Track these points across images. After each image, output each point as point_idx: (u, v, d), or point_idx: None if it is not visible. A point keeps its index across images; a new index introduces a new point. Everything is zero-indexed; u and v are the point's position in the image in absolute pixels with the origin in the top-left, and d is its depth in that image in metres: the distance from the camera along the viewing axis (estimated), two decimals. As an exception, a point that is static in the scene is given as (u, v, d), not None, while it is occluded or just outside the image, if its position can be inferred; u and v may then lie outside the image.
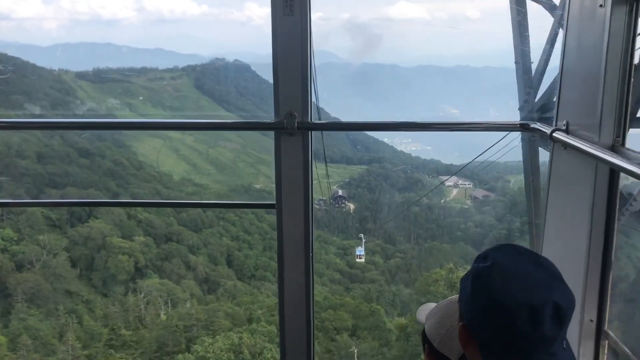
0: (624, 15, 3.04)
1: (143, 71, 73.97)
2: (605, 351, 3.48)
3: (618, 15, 3.03)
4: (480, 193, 60.97)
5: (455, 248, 52.22)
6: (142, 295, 43.19)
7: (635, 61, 3.16)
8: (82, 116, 60.99)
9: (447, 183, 60.72)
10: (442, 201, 61.72)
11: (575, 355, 1.99)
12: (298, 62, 3.76)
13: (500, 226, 53.31)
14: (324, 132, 4.75)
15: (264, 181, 60.03)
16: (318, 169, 5.15)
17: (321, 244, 50.10)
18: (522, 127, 3.94)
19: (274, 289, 42.62)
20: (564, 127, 3.49)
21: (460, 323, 2.00)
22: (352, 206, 59.96)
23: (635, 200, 4.22)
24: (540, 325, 1.76)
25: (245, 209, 50.71)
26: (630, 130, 3.21)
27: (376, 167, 65.64)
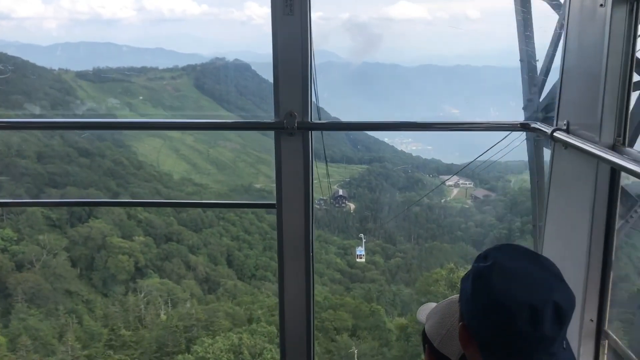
0: (624, 15, 3.03)
1: (143, 71, 73.99)
2: (606, 351, 3.48)
3: (618, 15, 3.03)
4: (480, 193, 60.98)
5: (455, 248, 52.22)
6: (142, 295, 43.19)
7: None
8: (82, 116, 60.99)
9: (448, 183, 60.73)
10: (442, 201, 61.72)
11: (576, 355, 1.99)
12: (298, 62, 3.76)
13: (500, 226, 53.30)
14: (324, 132, 4.75)
15: (264, 181, 60.02)
16: (318, 169, 5.15)
17: (321, 243, 50.09)
18: (523, 127, 3.94)
19: (274, 289, 42.62)
20: (565, 127, 3.49)
21: (461, 323, 2.00)
22: (352, 206, 59.95)
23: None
24: (541, 325, 1.75)
25: (246, 209, 50.66)
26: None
27: (377, 167, 65.63)
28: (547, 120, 4.09)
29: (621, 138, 3.11)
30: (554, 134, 3.53)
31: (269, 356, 35.11)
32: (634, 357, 3.18)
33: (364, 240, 50.71)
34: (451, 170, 64.73)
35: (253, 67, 77.11)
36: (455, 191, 62.97)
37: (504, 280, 1.83)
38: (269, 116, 3.99)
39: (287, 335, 4.34)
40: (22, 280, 41.95)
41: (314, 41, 3.83)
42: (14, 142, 49.51)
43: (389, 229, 56.86)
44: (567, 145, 3.42)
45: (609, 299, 3.39)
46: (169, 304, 43.16)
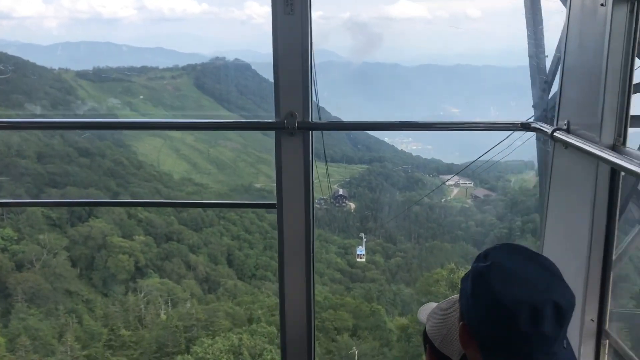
0: (625, 15, 3.04)
1: (143, 70, 74.05)
2: (606, 351, 3.48)
3: (619, 14, 3.03)
4: (481, 192, 60.99)
5: (456, 247, 52.23)
6: (143, 294, 43.18)
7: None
8: (83, 116, 61.01)
9: (448, 182, 60.76)
10: (442, 200, 61.76)
11: (576, 355, 1.99)
12: (298, 61, 3.76)
13: (501, 225, 53.34)
14: (325, 132, 4.75)
15: (265, 180, 60.02)
16: (318, 168, 5.15)
17: (322, 243, 50.11)
18: (524, 127, 3.94)
19: (274, 289, 42.63)
20: (565, 127, 3.49)
21: (461, 323, 2.00)
22: (352, 205, 59.98)
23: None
24: (541, 325, 1.75)
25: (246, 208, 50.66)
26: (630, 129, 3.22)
27: (377, 167, 65.68)
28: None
29: (621, 138, 3.11)
30: (554, 133, 3.53)
31: (268, 357, 35.07)
32: (634, 357, 3.18)
33: (364, 240, 50.73)
34: (451, 169, 64.76)
35: (253, 67, 77.19)
36: (455, 191, 63.00)
37: (504, 280, 1.83)
38: (269, 116, 3.99)
39: (288, 335, 4.34)
40: (22, 280, 41.94)
41: (314, 40, 3.83)
42: (14, 142, 49.52)
43: (389, 228, 56.90)
44: (567, 145, 3.42)
45: (609, 298, 3.40)
46: (169, 304, 43.16)
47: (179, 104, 70.71)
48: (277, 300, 4.48)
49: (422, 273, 46.82)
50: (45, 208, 45.78)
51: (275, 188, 4.11)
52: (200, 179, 61.43)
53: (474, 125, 4.14)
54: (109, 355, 36.94)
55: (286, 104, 3.83)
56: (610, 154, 2.94)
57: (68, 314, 40.75)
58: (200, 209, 51.08)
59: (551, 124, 3.78)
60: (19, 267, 43.22)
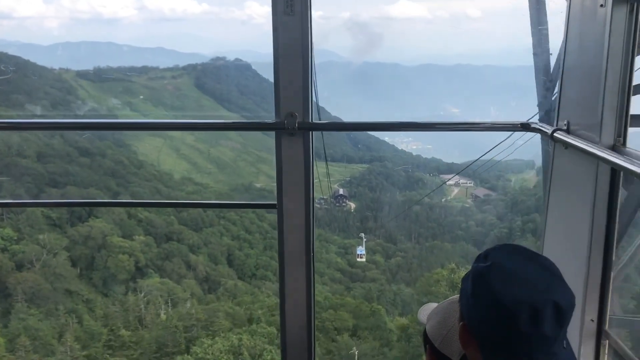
0: (624, 15, 3.04)
1: (144, 70, 74.15)
2: (606, 351, 3.49)
3: (619, 15, 3.04)
4: (481, 192, 61.01)
5: (456, 247, 52.24)
6: (143, 294, 43.17)
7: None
8: (84, 116, 61.04)
9: (448, 182, 60.78)
10: (443, 200, 61.78)
11: (576, 355, 1.99)
12: (299, 62, 3.76)
13: (501, 225, 53.36)
14: (325, 132, 4.75)
15: (265, 180, 60.05)
16: (318, 168, 5.15)
17: (322, 242, 50.12)
18: (524, 127, 3.94)
19: (274, 288, 42.64)
20: (565, 127, 3.50)
21: (461, 323, 2.00)
22: (353, 205, 60.00)
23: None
24: (541, 325, 1.75)
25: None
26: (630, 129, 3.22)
27: (377, 166, 65.71)
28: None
29: (621, 138, 3.11)
30: (555, 134, 3.53)
31: (268, 357, 35.02)
32: (634, 357, 3.18)
33: (364, 240, 50.75)
34: (452, 169, 64.80)
35: (254, 67, 77.26)
36: (455, 190, 63.03)
37: (504, 280, 1.83)
38: (269, 116, 3.99)
39: (288, 335, 4.34)
40: (22, 279, 41.94)
41: (314, 40, 3.83)
42: (14, 142, 49.52)
43: (390, 228, 56.92)
44: (567, 145, 3.42)
45: (609, 299, 3.40)
46: (169, 304, 43.15)
47: (179, 104, 70.77)
48: (277, 300, 4.48)
49: (423, 273, 46.82)
50: (45, 208, 45.79)
51: (275, 188, 4.11)
52: (200, 178, 61.47)
53: (474, 125, 4.14)
54: (108, 356, 36.90)
55: (286, 105, 3.83)
56: (611, 154, 2.94)
57: (68, 314, 40.75)
58: (200, 209, 51.10)
59: (553, 124, 3.79)
60: (19, 267, 43.21)
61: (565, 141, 3.41)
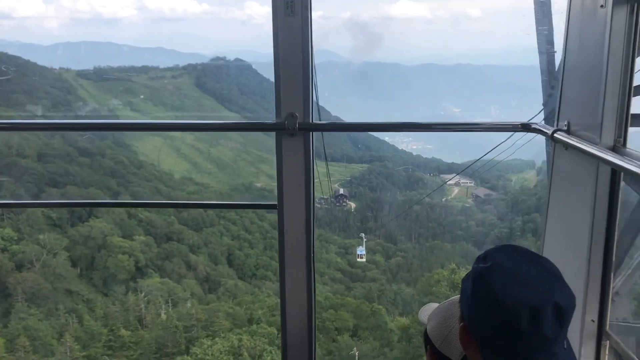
0: (624, 16, 3.03)
1: (144, 70, 74.32)
2: (607, 352, 3.48)
3: (619, 15, 3.03)
4: (481, 192, 61.05)
5: (456, 247, 52.26)
6: (143, 294, 43.16)
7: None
8: (84, 117, 61.11)
9: (449, 182, 60.84)
10: (443, 200, 61.82)
11: (576, 356, 1.99)
12: (299, 62, 3.76)
13: (502, 225, 53.39)
14: (325, 132, 4.76)
15: (265, 180, 60.11)
16: (319, 168, 5.16)
17: (322, 242, 50.13)
18: (524, 128, 3.93)
19: (274, 288, 42.66)
20: (565, 128, 3.49)
21: (461, 323, 2.00)
22: (353, 205, 60.04)
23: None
24: (541, 326, 1.74)
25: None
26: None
27: (377, 166, 65.79)
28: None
29: (622, 139, 3.11)
30: (555, 134, 3.52)
31: (268, 358, 34.97)
32: (635, 358, 3.18)
33: (364, 240, 50.76)
34: (452, 169, 64.87)
35: (254, 66, 77.42)
36: (456, 190, 63.07)
37: (504, 281, 1.83)
38: (270, 116, 3.99)
39: (289, 336, 4.34)
40: (22, 279, 41.93)
41: (314, 41, 3.83)
42: (14, 142, 49.55)
43: (390, 228, 56.95)
44: (567, 146, 3.42)
45: (610, 299, 3.40)
46: (169, 304, 43.14)
47: (180, 104, 70.88)
48: (277, 300, 4.49)
49: (423, 273, 46.81)
50: (45, 208, 45.80)
51: (275, 188, 4.11)
52: (200, 178, 61.52)
53: (474, 126, 4.14)
54: (107, 357, 36.86)
55: (287, 105, 3.83)
56: (611, 155, 2.93)
57: (68, 313, 40.75)
58: (200, 209, 51.14)
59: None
60: (19, 267, 43.22)
61: (566, 142, 3.40)
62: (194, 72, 75.13)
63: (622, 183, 3.28)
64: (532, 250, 1.99)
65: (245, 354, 34.79)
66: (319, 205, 46.96)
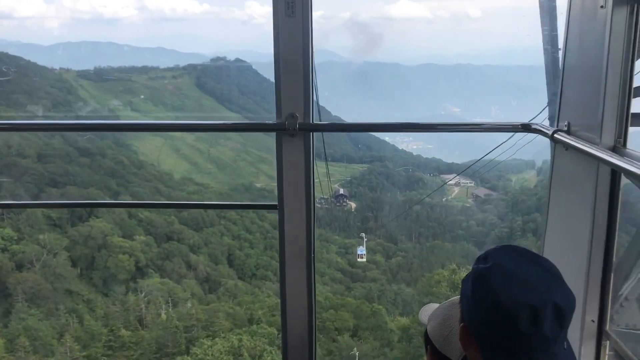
0: (625, 16, 3.04)
1: (144, 70, 74.37)
2: (607, 352, 3.48)
3: (619, 16, 3.03)
4: (481, 191, 61.04)
5: (456, 247, 52.25)
6: (143, 294, 43.14)
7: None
8: (85, 117, 61.12)
9: (449, 182, 60.85)
10: (443, 199, 61.81)
11: (577, 356, 1.99)
12: (300, 63, 3.76)
13: (502, 225, 53.37)
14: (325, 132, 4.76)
15: (265, 180, 60.11)
16: (319, 167, 5.16)
17: (322, 242, 50.12)
18: (524, 128, 3.94)
19: (275, 288, 42.63)
20: (566, 128, 3.50)
21: (461, 324, 2.00)
22: (353, 205, 60.05)
23: None
24: (541, 326, 1.75)
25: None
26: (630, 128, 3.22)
27: (377, 166, 65.79)
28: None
29: (622, 139, 3.11)
30: (555, 135, 3.53)
31: (268, 358, 34.95)
32: (635, 358, 3.18)
33: (364, 240, 50.75)
34: (452, 169, 64.87)
35: (254, 67, 77.46)
36: (456, 190, 63.06)
37: (504, 281, 1.83)
38: (271, 116, 4.00)
39: (289, 336, 4.34)
40: (22, 280, 41.89)
41: (314, 40, 3.84)
42: (14, 142, 49.54)
43: (390, 228, 56.95)
44: (567, 146, 3.42)
45: (610, 299, 3.40)
46: (170, 304, 43.12)
47: (180, 104, 70.90)
48: (277, 300, 4.50)
49: (423, 273, 46.80)
50: (45, 208, 45.79)
51: (276, 188, 4.12)
52: (200, 178, 61.51)
53: (475, 126, 4.14)
54: (106, 358, 36.83)
55: (287, 106, 3.83)
56: (611, 155, 2.94)
57: (68, 313, 40.72)
58: (200, 209, 51.15)
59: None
60: (19, 267, 43.18)
61: (566, 142, 3.41)
62: (194, 72, 75.16)
63: (623, 183, 3.28)
64: (533, 250, 2.00)
65: (246, 354, 34.74)
66: (319, 205, 46.96)
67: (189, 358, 35.72)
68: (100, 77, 69.28)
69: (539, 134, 3.83)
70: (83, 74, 68.97)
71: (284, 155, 3.97)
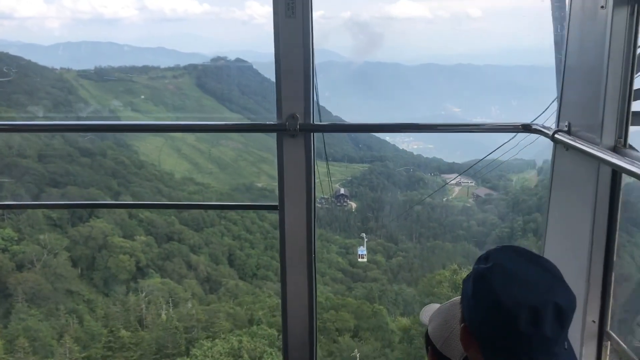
0: (625, 17, 3.03)
1: (145, 70, 74.42)
2: (608, 352, 3.48)
3: (619, 16, 3.03)
4: (482, 191, 61.01)
5: (457, 247, 52.22)
6: (144, 295, 43.12)
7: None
8: (86, 118, 61.16)
9: (449, 181, 60.85)
10: (444, 199, 61.80)
11: (578, 356, 1.99)
12: (300, 64, 3.76)
13: (503, 225, 53.34)
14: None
15: (266, 180, 60.11)
16: (319, 168, 5.17)
17: (323, 242, 50.12)
18: (525, 128, 3.93)
19: (275, 288, 42.63)
20: (566, 128, 3.50)
21: (462, 324, 2.00)
22: (354, 205, 60.03)
23: None
24: (541, 326, 1.75)
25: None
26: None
27: (378, 166, 65.79)
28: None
29: (622, 140, 3.11)
30: (555, 135, 3.53)
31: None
32: (636, 358, 3.18)
33: (365, 240, 50.73)
34: (453, 169, 64.86)
35: (255, 67, 77.50)
36: (457, 190, 63.04)
37: (505, 282, 1.83)
38: (271, 116, 4.00)
39: (290, 337, 4.34)
40: (23, 280, 41.87)
41: (315, 41, 3.83)
42: (14, 142, 49.55)
43: (391, 228, 56.93)
44: (568, 146, 3.42)
45: (610, 300, 3.40)
46: (170, 304, 43.10)
47: (181, 104, 70.93)
48: (278, 301, 4.50)
49: (424, 273, 46.80)
50: (46, 209, 45.79)
51: (276, 189, 4.12)
52: (201, 178, 61.51)
53: (475, 127, 4.14)
54: (106, 359, 36.80)
55: (288, 106, 3.83)
56: (611, 155, 2.94)
57: (69, 314, 40.71)
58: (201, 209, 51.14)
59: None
60: (20, 267, 43.16)
61: (566, 142, 3.41)
62: (195, 72, 75.21)
63: (623, 183, 3.28)
64: (533, 250, 2.00)
65: (246, 355, 34.68)
66: (319, 205, 46.97)
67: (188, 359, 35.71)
68: (101, 77, 69.35)
69: (540, 134, 3.83)
70: (84, 74, 69.03)
71: (285, 155, 3.97)
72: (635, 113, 3.20)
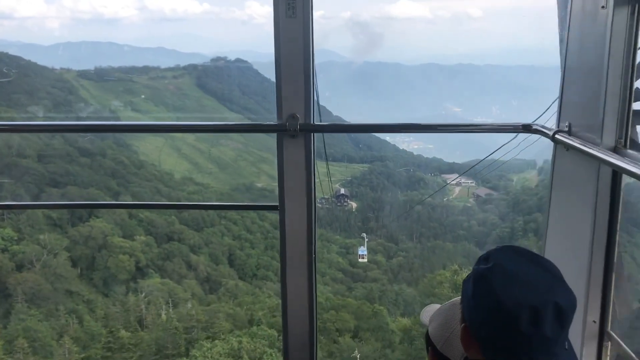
0: (625, 17, 3.03)
1: (145, 70, 74.44)
2: (608, 352, 3.48)
3: (620, 16, 3.03)
4: (483, 191, 61.00)
5: (458, 247, 52.20)
6: (143, 295, 43.10)
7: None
8: (86, 118, 61.17)
9: (449, 181, 60.84)
10: (444, 199, 61.79)
11: (578, 357, 2.00)
12: (300, 64, 3.76)
13: (503, 225, 53.33)
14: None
15: (266, 180, 60.10)
16: (319, 167, 5.17)
17: (323, 242, 50.09)
18: (525, 129, 3.93)
19: (275, 289, 42.61)
20: (567, 129, 3.49)
21: (462, 324, 2.00)
22: (354, 205, 60.02)
23: None
24: (542, 326, 1.75)
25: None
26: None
27: (378, 166, 65.77)
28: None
29: (623, 140, 3.11)
30: (556, 135, 3.53)
31: (268, 360, 34.84)
32: (636, 358, 3.18)
33: (365, 240, 50.71)
34: (453, 169, 64.88)
35: (255, 67, 77.52)
36: (457, 190, 63.02)
37: (505, 282, 1.84)
38: (272, 116, 4.00)
39: (290, 337, 4.34)
40: (23, 280, 41.84)
41: (315, 41, 3.83)
42: (14, 142, 49.55)
43: (391, 228, 56.91)
44: (568, 147, 3.42)
45: (611, 300, 3.40)
46: (170, 304, 43.07)
47: (181, 104, 70.93)
48: (278, 301, 4.50)
49: (424, 273, 46.78)
50: (46, 209, 45.80)
51: (276, 189, 4.12)
52: (201, 178, 61.50)
53: (476, 127, 4.15)
54: (110, 355, 36.77)
55: (288, 106, 3.83)
56: (612, 156, 2.94)
57: (68, 314, 40.68)
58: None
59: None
60: (19, 267, 43.14)
61: (567, 143, 3.41)
62: (195, 72, 75.21)
63: (624, 183, 3.28)
64: (534, 250, 2.00)
65: (245, 356, 34.62)
66: (319, 205, 46.94)
67: (187, 360, 35.69)
68: (101, 77, 69.36)
69: (540, 134, 3.83)
70: (84, 74, 69.03)
71: (285, 156, 3.97)
72: (636, 113, 3.20)
